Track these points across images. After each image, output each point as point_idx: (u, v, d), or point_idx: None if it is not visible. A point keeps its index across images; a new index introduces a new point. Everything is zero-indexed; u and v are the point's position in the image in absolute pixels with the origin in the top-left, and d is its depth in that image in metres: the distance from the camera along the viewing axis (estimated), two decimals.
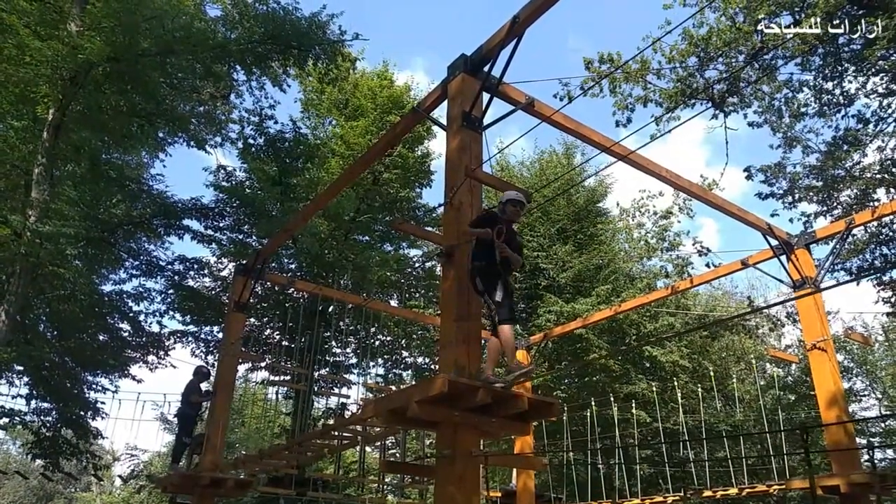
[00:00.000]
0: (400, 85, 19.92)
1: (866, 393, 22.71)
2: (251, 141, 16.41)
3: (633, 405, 16.09)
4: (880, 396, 22.72)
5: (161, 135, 13.53)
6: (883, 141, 11.99)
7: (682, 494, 12.89)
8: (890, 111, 11.74)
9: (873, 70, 11.55)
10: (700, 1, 12.49)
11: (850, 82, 11.79)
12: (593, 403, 14.82)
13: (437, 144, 21.67)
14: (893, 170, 11.82)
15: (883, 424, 21.06)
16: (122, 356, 16.46)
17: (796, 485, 10.35)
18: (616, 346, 18.91)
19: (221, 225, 17.23)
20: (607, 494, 14.85)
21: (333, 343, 18.41)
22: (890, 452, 19.96)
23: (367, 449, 12.18)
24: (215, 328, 17.81)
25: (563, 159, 20.95)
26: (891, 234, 11.81)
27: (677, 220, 19.96)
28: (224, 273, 17.71)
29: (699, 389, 16.16)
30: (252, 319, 17.34)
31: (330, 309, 16.35)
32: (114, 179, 14.51)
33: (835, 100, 11.95)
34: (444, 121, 6.49)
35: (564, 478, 16.48)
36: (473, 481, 4.55)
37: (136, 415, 41.35)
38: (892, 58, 11.03)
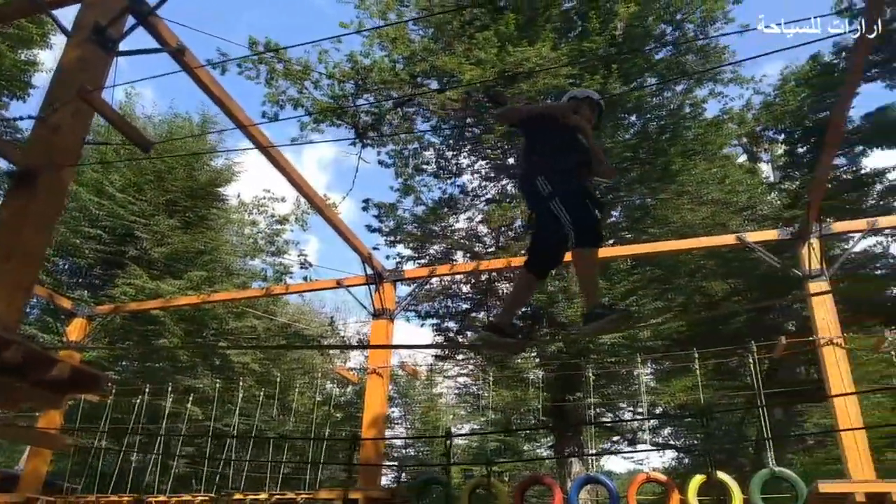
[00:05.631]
0: None
1: (399, 421, 26.18)
2: None
3: (190, 400, 15.37)
4: (409, 426, 26.41)
5: None
6: (472, 214, 14.27)
7: (212, 495, 12.64)
8: (484, 192, 14.07)
9: (483, 155, 13.73)
10: (372, 36, 13.24)
11: (464, 157, 13.81)
12: (146, 390, 13.68)
13: (51, 58, 18.18)
14: (473, 240, 14.11)
15: (404, 451, 24.70)
16: None
17: (322, 495, 11.05)
18: (192, 339, 18.01)
19: None
20: (133, 488, 13.71)
21: None
22: (404, 475, 23.42)
23: None
24: None
25: (196, 130, 19.55)
26: (456, 291, 14.01)
27: (290, 229, 20.46)
28: None
29: (261, 395, 16.31)
30: None
31: None
32: None
33: (450, 167, 13.82)
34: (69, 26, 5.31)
35: (88, 467, 14.68)
36: None
37: None
38: (498, 150, 13.30)
